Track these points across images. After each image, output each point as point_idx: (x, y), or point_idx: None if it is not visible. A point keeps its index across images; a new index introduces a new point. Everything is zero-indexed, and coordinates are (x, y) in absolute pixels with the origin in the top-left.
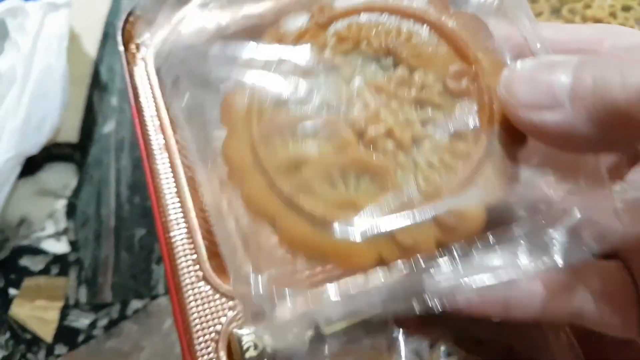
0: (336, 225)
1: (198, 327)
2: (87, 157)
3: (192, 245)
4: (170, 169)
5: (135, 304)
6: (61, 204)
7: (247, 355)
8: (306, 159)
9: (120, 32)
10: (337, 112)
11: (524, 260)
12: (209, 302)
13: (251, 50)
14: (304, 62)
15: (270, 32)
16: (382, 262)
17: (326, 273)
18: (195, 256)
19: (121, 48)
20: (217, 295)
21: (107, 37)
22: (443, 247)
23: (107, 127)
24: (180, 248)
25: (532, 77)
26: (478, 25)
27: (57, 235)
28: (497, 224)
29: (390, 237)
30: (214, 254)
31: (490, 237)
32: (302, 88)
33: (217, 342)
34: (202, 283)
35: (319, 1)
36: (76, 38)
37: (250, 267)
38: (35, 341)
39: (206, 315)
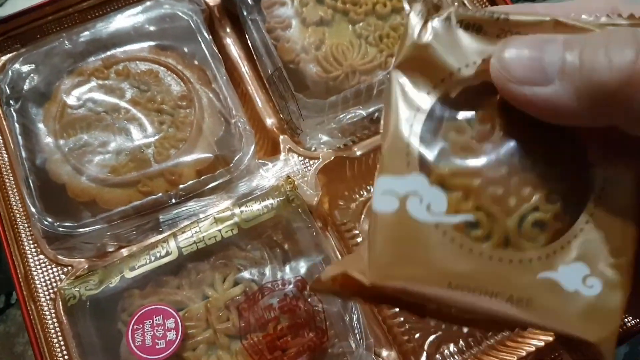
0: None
1: (40, 289)
2: None
3: (31, 232)
4: (12, 175)
5: None
6: None
7: (69, 304)
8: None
9: None
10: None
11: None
12: (47, 270)
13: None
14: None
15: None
16: (129, 201)
17: None
18: (32, 237)
19: None
20: (53, 265)
21: None
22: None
23: None
24: (23, 235)
25: (525, 55)
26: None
27: None
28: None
29: (135, 187)
30: (53, 235)
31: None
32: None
33: (54, 300)
34: (42, 256)
35: None
36: None
37: None
38: None
39: (46, 280)
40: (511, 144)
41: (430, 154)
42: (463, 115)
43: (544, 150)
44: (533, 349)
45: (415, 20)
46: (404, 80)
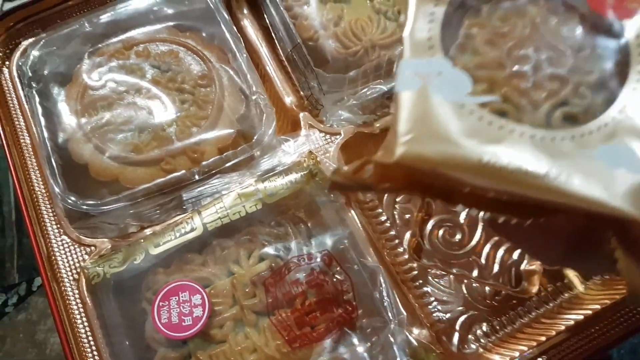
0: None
1: (63, 270)
2: None
3: (54, 212)
4: (34, 158)
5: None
6: None
7: (93, 282)
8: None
9: None
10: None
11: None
12: (70, 250)
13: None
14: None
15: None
16: (152, 180)
17: None
18: (55, 218)
19: None
20: (76, 245)
21: None
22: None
23: None
24: (45, 216)
25: None
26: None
27: None
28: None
29: (158, 165)
30: (75, 216)
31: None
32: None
33: (77, 280)
34: (64, 237)
35: None
36: None
37: None
38: None
39: (69, 261)
40: (537, 38)
41: (452, 45)
42: (486, 9)
43: (574, 42)
44: (562, 327)
45: None
46: None
